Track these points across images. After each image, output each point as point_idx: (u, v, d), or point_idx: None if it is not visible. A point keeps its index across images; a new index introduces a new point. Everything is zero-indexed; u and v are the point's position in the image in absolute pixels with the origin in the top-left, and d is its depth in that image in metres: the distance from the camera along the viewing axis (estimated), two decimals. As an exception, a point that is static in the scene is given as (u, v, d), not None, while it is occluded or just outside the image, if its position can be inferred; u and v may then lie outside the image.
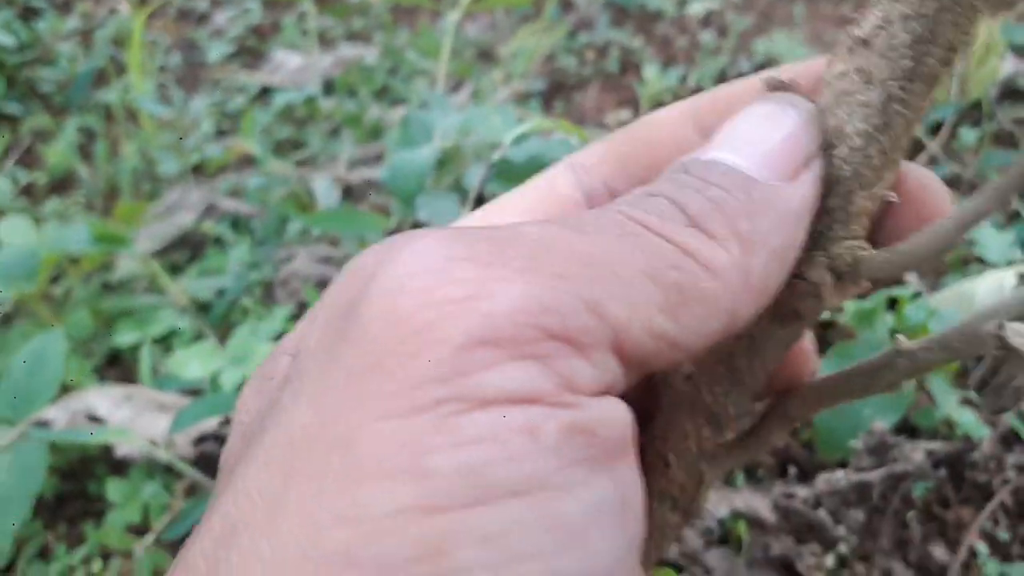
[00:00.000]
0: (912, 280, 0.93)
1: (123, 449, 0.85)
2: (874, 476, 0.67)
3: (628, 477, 0.22)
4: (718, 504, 0.68)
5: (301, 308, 1.02)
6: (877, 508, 0.68)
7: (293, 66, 1.70)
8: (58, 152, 1.44)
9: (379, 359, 0.20)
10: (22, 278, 0.98)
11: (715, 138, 0.27)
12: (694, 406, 0.31)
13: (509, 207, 0.32)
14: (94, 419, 0.87)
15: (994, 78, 1.22)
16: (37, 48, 1.76)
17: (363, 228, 0.94)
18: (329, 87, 1.58)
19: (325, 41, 1.74)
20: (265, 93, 1.64)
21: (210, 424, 0.85)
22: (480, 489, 0.19)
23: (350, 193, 1.29)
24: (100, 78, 1.68)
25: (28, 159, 1.52)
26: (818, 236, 0.27)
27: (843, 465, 0.72)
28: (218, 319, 1.05)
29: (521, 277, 0.21)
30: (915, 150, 1.18)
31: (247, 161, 1.40)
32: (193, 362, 0.92)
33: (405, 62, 1.62)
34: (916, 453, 0.68)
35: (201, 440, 0.86)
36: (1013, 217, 1.03)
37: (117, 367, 1.04)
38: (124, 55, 1.64)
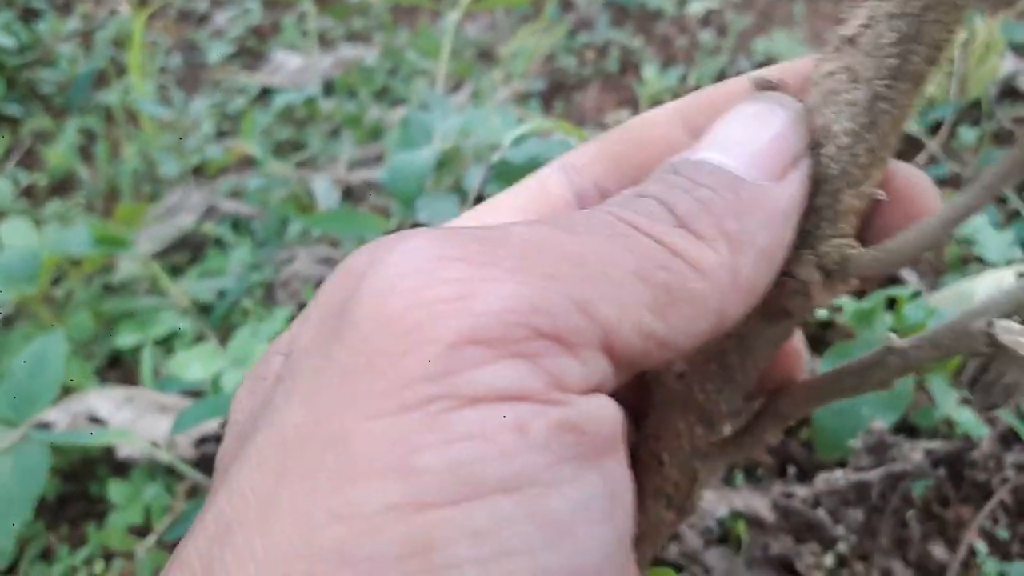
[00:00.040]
0: (911, 280, 0.93)
1: (125, 451, 0.86)
2: (873, 476, 0.67)
3: (617, 474, 0.22)
4: (717, 504, 0.68)
5: (302, 309, 1.02)
6: (876, 507, 0.68)
7: (293, 67, 1.70)
8: (59, 154, 1.45)
9: (370, 358, 0.21)
10: (23, 280, 0.99)
11: (704, 138, 0.27)
12: (686, 404, 0.31)
13: (501, 207, 0.32)
14: (95, 421, 0.87)
15: (994, 77, 1.22)
16: (37, 49, 1.76)
17: (363, 229, 0.94)
18: (329, 88, 1.59)
19: (325, 42, 1.74)
20: (265, 94, 1.64)
21: (211, 426, 0.85)
22: (470, 485, 0.19)
23: (350, 194, 1.29)
24: (100, 79, 1.69)
25: (29, 160, 1.52)
26: (806, 235, 0.27)
27: (842, 465, 0.72)
28: (219, 320, 1.05)
29: (512, 277, 0.21)
30: (915, 149, 1.18)
31: (248, 162, 1.40)
32: (194, 364, 0.92)
33: (405, 62, 1.62)
34: (915, 453, 0.68)
35: (202, 441, 0.86)
36: (1012, 216, 1.03)
37: (118, 369, 1.04)
38: (124, 56, 1.64)
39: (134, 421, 0.86)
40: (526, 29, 1.60)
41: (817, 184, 0.27)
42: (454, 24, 1.19)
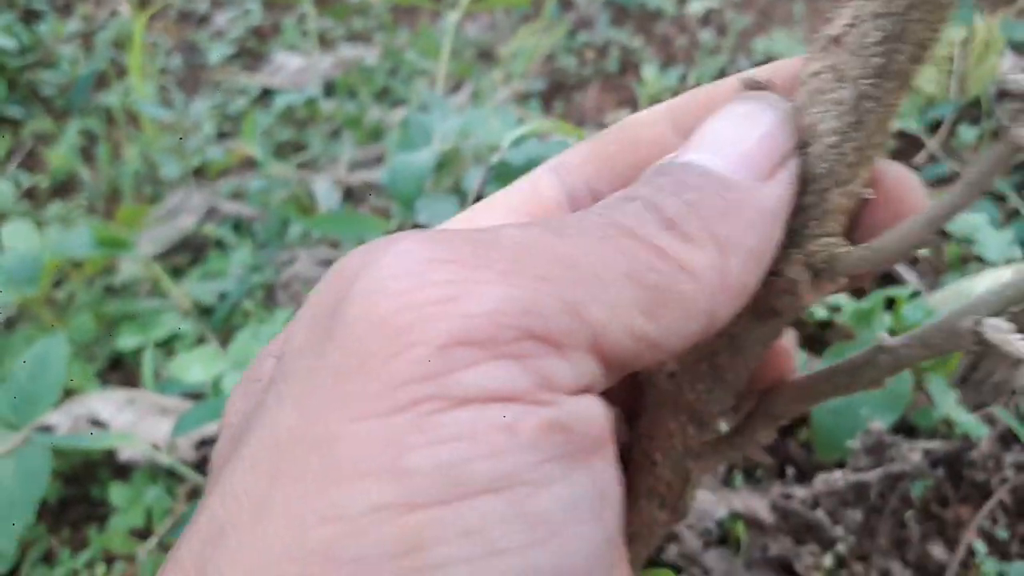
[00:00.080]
0: (911, 279, 0.93)
1: (126, 453, 0.86)
2: (872, 476, 0.67)
3: (606, 473, 0.22)
4: (716, 505, 0.68)
5: (302, 311, 1.02)
6: (875, 508, 0.68)
7: (294, 67, 1.70)
8: (60, 155, 1.45)
9: (362, 360, 0.21)
10: (25, 282, 0.99)
11: (693, 139, 0.27)
12: (678, 404, 0.31)
13: (493, 209, 0.32)
14: (97, 423, 0.87)
15: (993, 75, 1.22)
16: (38, 51, 1.77)
17: (363, 231, 0.94)
18: (330, 88, 1.59)
19: (325, 42, 1.74)
20: (266, 95, 1.64)
21: (212, 428, 0.85)
22: (459, 486, 0.20)
23: (351, 195, 1.29)
24: (101, 81, 1.69)
25: (30, 162, 1.53)
26: (795, 234, 0.27)
27: (841, 465, 0.72)
28: (220, 322, 1.05)
29: (502, 279, 0.22)
30: (915, 148, 1.18)
31: (249, 164, 1.40)
32: (195, 366, 0.92)
33: (405, 63, 1.62)
34: (913, 453, 0.68)
35: (203, 444, 0.87)
36: (1012, 216, 1.03)
37: (120, 371, 1.04)
38: (125, 57, 1.64)
39: (135, 424, 0.86)
40: (526, 29, 1.60)
41: (805, 183, 0.27)
42: (454, 24, 1.19)
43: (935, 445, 0.73)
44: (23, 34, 1.76)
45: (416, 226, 0.93)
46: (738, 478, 0.74)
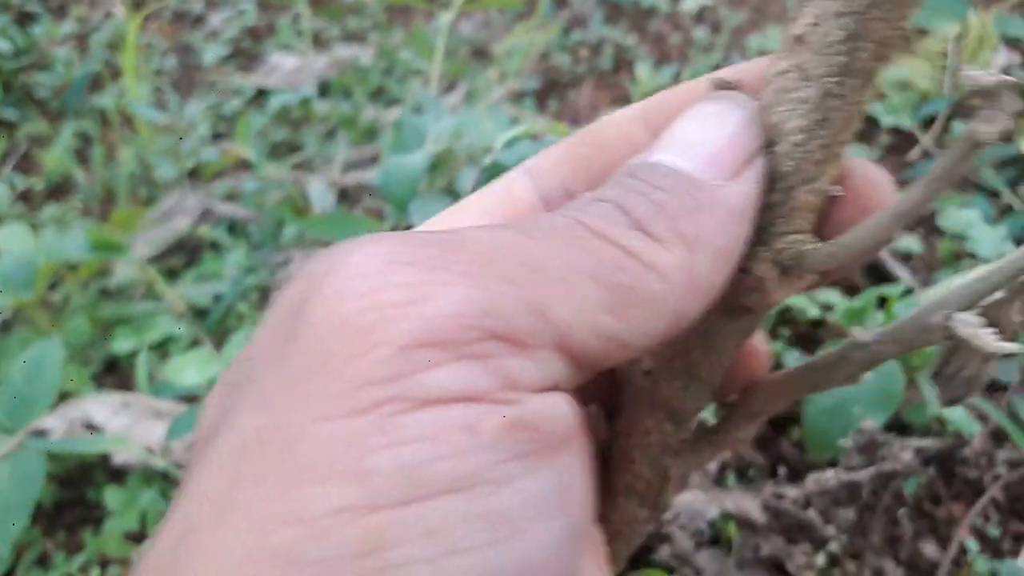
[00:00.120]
0: (904, 276, 0.93)
1: (120, 457, 0.86)
2: (864, 475, 0.67)
3: (573, 469, 0.23)
4: (708, 505, 0.68)
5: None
6: (868, 506, 0.69)
7: (288, 68, 1.70)
8: (55, 157, 1.45)
9: (324, 360, 0.21)
10: (20, 286, 0.99)
11: (661, 139, 0.28)
12: (654, 402, 0.32)
13: (468, 211, 0.33)
14: (91, 427, 0.88)
15: (987, 71, 1.22)
16: (33, 53, 1.76)
17: (357, 232, 0.94)
18: (324, 88, 1.59)
19: (320, 42, 1.74)
20: (261, 95, 1.64)
21: (206, 430, 0.85)
22: (420, 486, 0.20)
23: (345, 196, 1.29)
24: (96, 82, 1.69)
25: (25, 165, 1.52)
26: (762, 232, 0.28)
27: (833, 464, 0.72)
28: (214, 325, 1.05)
29: (463, 281, 0.22)
30: (908, 143, 1.18)
31: (244, 165, 1.40)
32: (189, 369, 0.92)
33: (400, 62, 1.62)
34: (905, 452, 0.68)
35: (198, 446, 0.87)
36: (1005, 211, 1.03)
37: (115, 374, 1.04)
38: (120, 59, 1.64)
39: (130, 427, 0.86)
40: (520, 27, 1.60)
41: (772, 182, 0.27)
42: (448, 24, 1.19)
43: (927, 443, 0.74)
44: (17, 36, 1.76)
45: (409, 227, 0.93)
46: (730, 478, 0.75)
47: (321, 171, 1.34)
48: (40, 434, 0.86)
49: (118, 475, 0.89)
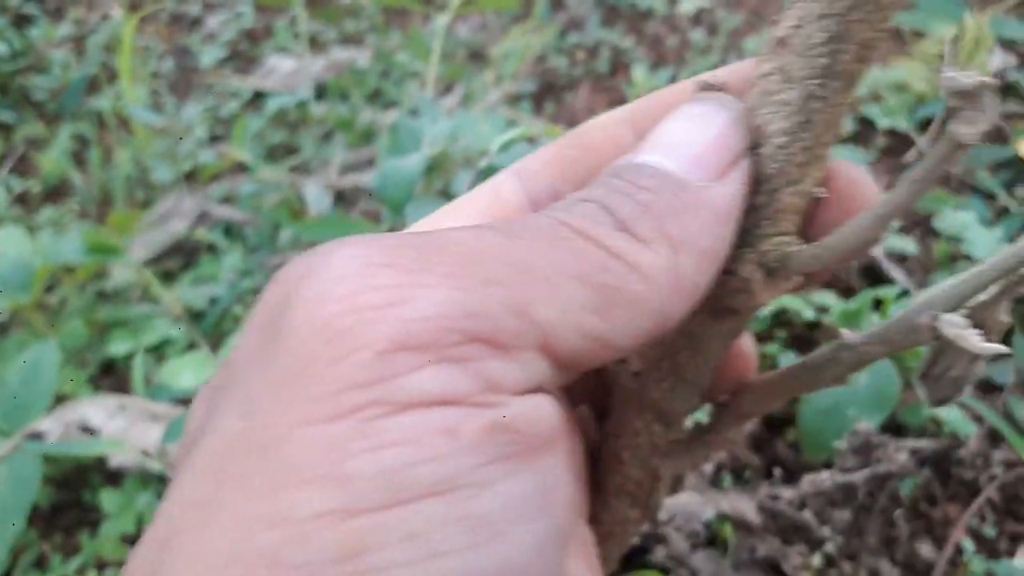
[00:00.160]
0: (900, 278, 0.93)
1: (117, 459, 0.86)
2: (859, 476, 0.68)
3: (556, 470, 0.23)
4: (704, 506, 0.68)
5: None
6: (863, 507, 0.69)
7: (285, 70, 1.70)
8: (52, 160, 1.45)
9: (305, 364, 0.21)
10: (17, 288, 0.99)
11: (647, 141, 0.28)
12: (642, 403, 0.32)
13: (455, 214, 0.32)
14: (88, 430, 0.88)
15: (983, 73, 1.22)
16: (30, 56, 1.76)
17: (353, 235, 0.94)
18: (321, 91, 1.59)
19: (317, 45, 1.74)
20: (258, 98, 1.64)
21: (203, 433, 0.85)
22: (401, 490, 0.20)
23: (342, 198, 1.29)
24: (93, 85, 1.69)
25: (22, 167, 1.52)
26: (747, 233, 0.28)
27: (829, 466, 0.72)
28: (211, 328, 1.05)
29: (443, 282, 0.22)
30: (904, 146, 1.18)
31: (241, 167, 1.40)
32: (186, 372, 0.92)
33: (397, 64, 1.62)
34: (901, 453, 0.68)
35: (194, 449, 0.87)
36: (1001, 213, 1.03)
37: (111, 376, 1.04)
38: (117, 61, 1.64)
39: (126, 430, 0.86)
40: (517, 29, 1.60)
41: (757, 183, 0.28)
42: (444, 27, 1.20)
43: (923, 444, 0.74)
44: (14, 39, 1.76)
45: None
46: (726, 479, 0.75)
47: (318, 174, 1.34)
48: (36, 437, 0.86)
49: (114, 478, 0.89)
